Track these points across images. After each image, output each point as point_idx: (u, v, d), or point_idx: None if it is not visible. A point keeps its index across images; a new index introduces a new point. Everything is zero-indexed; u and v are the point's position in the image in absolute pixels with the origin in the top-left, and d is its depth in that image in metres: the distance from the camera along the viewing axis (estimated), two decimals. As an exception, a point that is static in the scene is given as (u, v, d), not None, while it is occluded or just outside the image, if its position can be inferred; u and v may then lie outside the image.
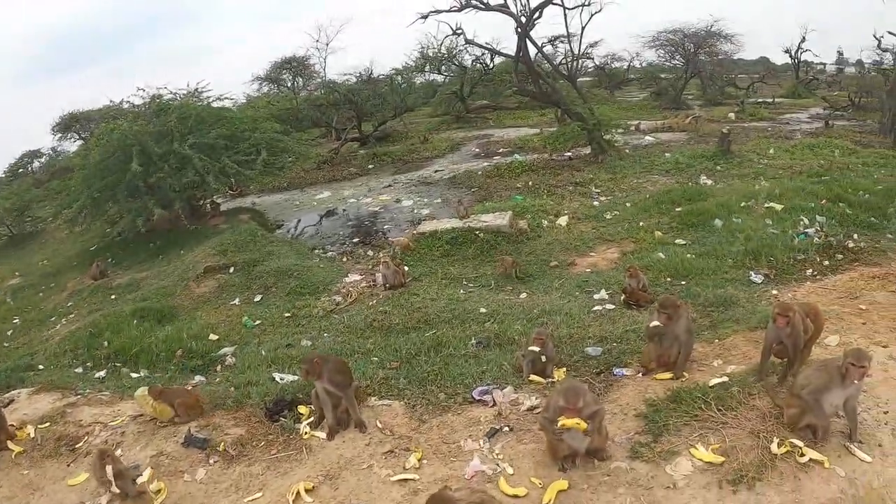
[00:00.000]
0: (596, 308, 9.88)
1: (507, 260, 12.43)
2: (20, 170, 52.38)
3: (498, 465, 5.72)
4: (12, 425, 7.92)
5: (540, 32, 34.32)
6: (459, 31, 25.23)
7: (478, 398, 6.93)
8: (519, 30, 21.80)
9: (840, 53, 60.67)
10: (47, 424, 8.04)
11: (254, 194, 26.44)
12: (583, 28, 24.07)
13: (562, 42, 38.78)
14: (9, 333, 15.15)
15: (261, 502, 5.84)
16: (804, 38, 49.33)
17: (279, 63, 47.48)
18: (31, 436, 7.84)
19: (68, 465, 7.15)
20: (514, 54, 23.60)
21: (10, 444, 7.61)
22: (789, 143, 24.07)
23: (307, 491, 5.79)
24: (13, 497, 6.86)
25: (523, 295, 11.33)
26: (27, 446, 7.64)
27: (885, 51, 38.51)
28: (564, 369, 7.37)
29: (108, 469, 5.84)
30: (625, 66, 52.39)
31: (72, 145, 46.90)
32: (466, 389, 7.14)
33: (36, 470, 7.21)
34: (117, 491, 5.78)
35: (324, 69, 39.31)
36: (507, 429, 6.25)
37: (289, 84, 48.56)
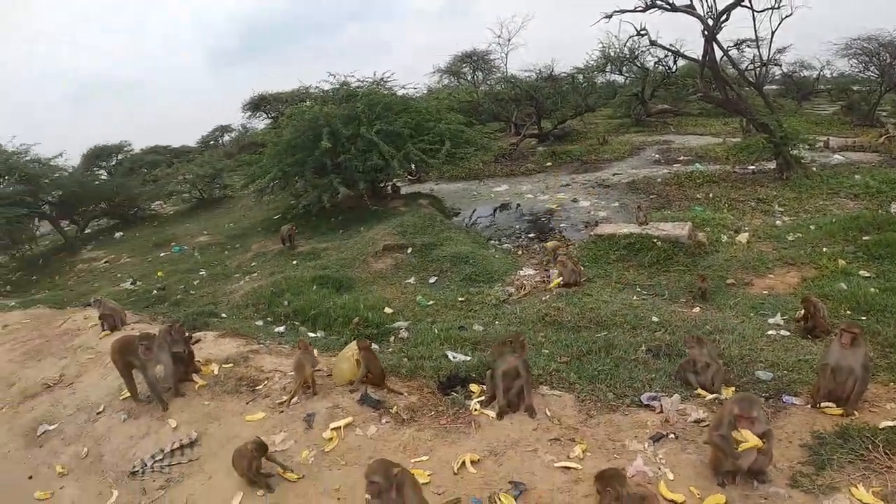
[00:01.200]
0: (770, 332, 9.62)
1: (703, 279, 12.13)
2: (211, 142, 56.79)
3: (660, 468, 5.86)
4: (198, 361, 9.05)
5: (726, 35, 32.95)
6: (643, 32, 24.81)
7: (645, 403, 7.04)
8: (706, 32, 21.12)
9: None
10: (230, 365, 9.08)
11: (432, 181, 27.33)
12: (772, 33, 22.66)
13: (748, 46, 36.83)
14: (195, 283, 16.61)
15: (427, 465, 6.24)
16: None
17: (460, 56, 48.49)
18: (214, 372, 8.95)
19: (247, 403, 8.02)
20: (699, 58, 22.90)
21: (195, 377, 8.74)
22: None
23: (472, 462, 6.16)
24: (194, 422, 7.79)
25: (696, 309, 11.19)
26: (210, 381, 8.69)
27: None
28: (733, 388, 7.33)
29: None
30: (814, 76, 48.46)
31: (259, 123, 50.24)
32: (635, 393, 7.27)
33: (216, 402, 8.18)
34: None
35: (504, 64, 39.69)
36: (672, 436, 6.35)
37: (469, 77, 49.49)
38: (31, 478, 7.83)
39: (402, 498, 4.94)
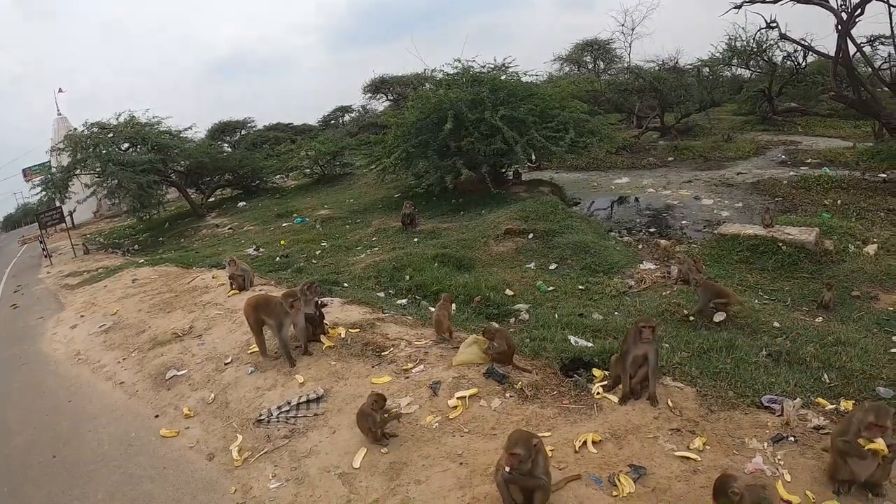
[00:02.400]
0: (894, 350, 9.27)
1: (829, 287, 11.77)
2: (331, 121, 58.41)
3: (778, 469, 5.79)
4: (326, 324, 9.43)
5: (860, 31, 31.36)
6: (774, 24, 23.92)
7: (766, 405, 6.94)
8: (839, 27, 20.14)
9: None
10: (357, 330, 9.43)
11: (552, 169, 27.26)
12: None
13: (882, 43, 35.46)
14: (317, 253, 17.27)
15: (548, 441, 6.28)
16: None
17: (581, 45, 48.02)
18: (341, 336, 9.31)
19: (373, 367, 8.31)
20: (830, 54, 21.88)
21: (322, 339, 9.15)
22: None
23: (594, 443, 6.22)
24: (320, 380, 8.16)
25: (819, 319, 10.92)
26: (337, 343, 9.06)
27: None
28: (853, 402, 7.12)
29: None
30: None
31: (379, 105, 51.25)
32: (755, 394, 7.15)
33: (342, 363, 8.53)
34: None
35: (628, 54, 39.04)
36: (791, 439, 6.24)
37: (590, 66, 48.98)
38: (157, 416, 8.44)
39: (535, 467, 5.07)
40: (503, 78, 22.44)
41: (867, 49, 33.36)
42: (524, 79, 23.82)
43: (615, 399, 7.01)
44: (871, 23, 32.30)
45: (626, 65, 40.24)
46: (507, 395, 7.29)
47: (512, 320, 10.81)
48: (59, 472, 7.52)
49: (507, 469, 5.02)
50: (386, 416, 6.65)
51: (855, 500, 5.44)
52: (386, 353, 8.68)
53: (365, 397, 7.01)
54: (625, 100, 35.53)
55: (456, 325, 9.38)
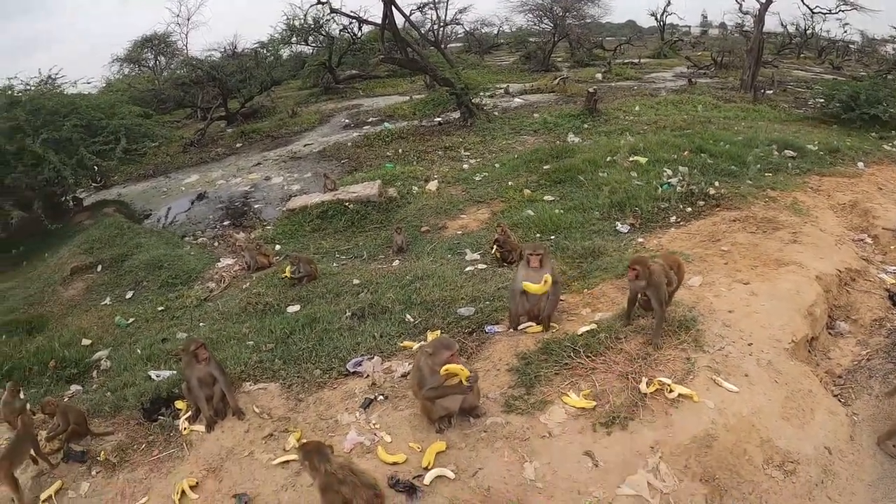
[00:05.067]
0: (468, 269, 9.97)
1: (398, 231, 12.26)
2: None
3: (375, 434, 5.77)
4: None
5: (408, 0, 34.01)
6: (324, 1, 24.71)
7: (352, 370, 6.93)
8: None
9: (704, 16, 64.84)
10: None
11: (119, 184, 25.23)
12: None
13: (430, 9, 38.68)
14: None
15: None
16: (669, 1, 50.72)
17: (139, 42, 45.54)
18: None
19: None
20: (380, 22, 23.31)
21: None
22: (654, 100, 24.76)
23: (192, 487, 5.71)
24: None
25: (395, 262, 11.35)
26: None
27: (746, 13, 39.65)
28: (438, 331, 7.40)
29: None
30: (494, 32, 52.66)
31: None
32: (341, 363, 7.12)
33: None
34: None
35: (186, 46, 37.75)
36: (381, 397, 6.30)
37: (151, 63, 46.72)
38: None
39: None
40: (49, 94, 20.04)
41: (417, 16, 36.16)
42: (72, 90, 21.59)
43: (202, 428, 6.49)
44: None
45: (185, 57, 38.75)
46: (94, 472, 6.37)
47: (94, 373, 9.56)
48: None
49: None
50: None
51: (459, 430, 5.61)
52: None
53: None
54: (186, 94, 34.28)
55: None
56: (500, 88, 29.46)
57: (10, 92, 19.62)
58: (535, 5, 43.60)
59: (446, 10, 27.34)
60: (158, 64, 46.60)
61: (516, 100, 26.91)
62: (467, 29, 48.86)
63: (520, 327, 7.06)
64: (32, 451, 6.44)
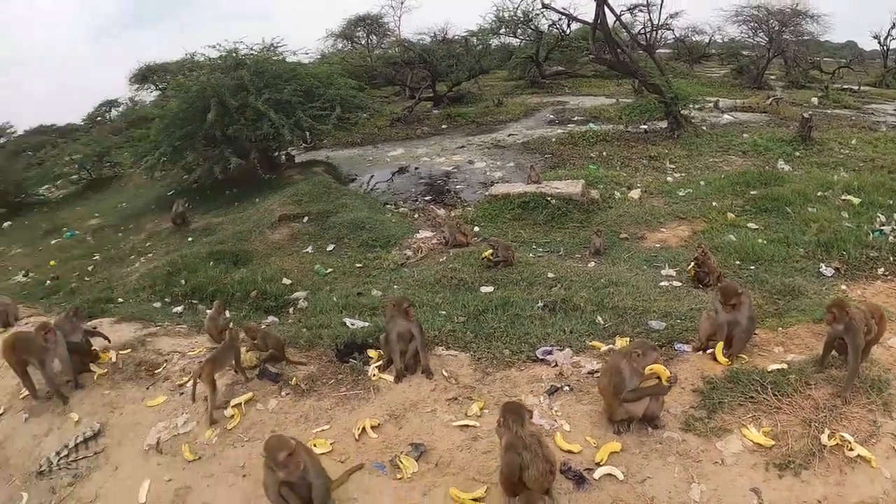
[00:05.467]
0: (663, 283, 9.99)
1: (597, 234, 12.42)
2: (98, 118, 54.31)
3: (556, 420, 5.99)
4: (94, 350, 8.65)
5: (619, 0, 33.46)
6: None
7: (541, 358, 7.15)
8: None
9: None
10: (128, 351, 8.74)
11: (327, 148, 26.89)
12: None
13: (641, 11, 37.50)
14: (89, 269, 15.98)
15: (328, 434, 6.24)
16: (894, 24, 45.40)
17: (353, 20, 47.79)
18: (112, 360, 8.58)
19: (147, 389, 7.77)
20: (591, 21, 23.24)
21: (92, 367, 8.39)
22: (873, 134, 23.11)
23: (373, 427, 6.18)
24: (95, 414, 7.50)
25: (591, 264, 11.49)
26: (109, 369, 8.37)
27: None
28: (627, 339, 7.51)
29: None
30: (705, 40, 50.29)
31: (148, 95, 48.51)
32: (531, 348, 7.37)
33: (116, 391, 7.90)
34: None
35: (398, 27, 39.28)
36: (567, 388, 6.47)
37: (363, 41, 48.86)
38: None
39: (306, 471, 4.88)
40: (270, 59, 21.85)
41: (627, 17, 35.50)
42: (292, 59, 23.31)
43: (391, 378, 6.98)
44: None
45: (396, 38, 40.29)
46: (283, 393, 7.07)
47: (290, 310, 10.55)
48: None
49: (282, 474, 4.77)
50: None
51: (636, 436, 5.71)
52: (159, 370, 8.12)
53: (143, 425, 6.79)
54: (397, 73, 35.73)
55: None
56: (710, 102, 28.56)
57: (235, 54, 21.45)
58: (750, 16, 41.26)
59: (660, 13, 26.67)
60: (370, 42, 48.61)
61: (726, 116, 26.08)
62: (677, 35, 46.96)
63: (707, 351, 7.04)
64: (234, 362, 7.29)
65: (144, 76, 46.23)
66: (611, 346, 7.37)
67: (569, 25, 34.91)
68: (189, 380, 7.24)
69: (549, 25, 35.26)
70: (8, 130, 51.94)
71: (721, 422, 5.81)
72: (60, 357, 7.99)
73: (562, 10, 27.85)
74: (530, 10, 32.80)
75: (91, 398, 7.86)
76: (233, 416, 6.74)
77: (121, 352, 8.74)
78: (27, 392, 8.24)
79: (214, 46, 22.20)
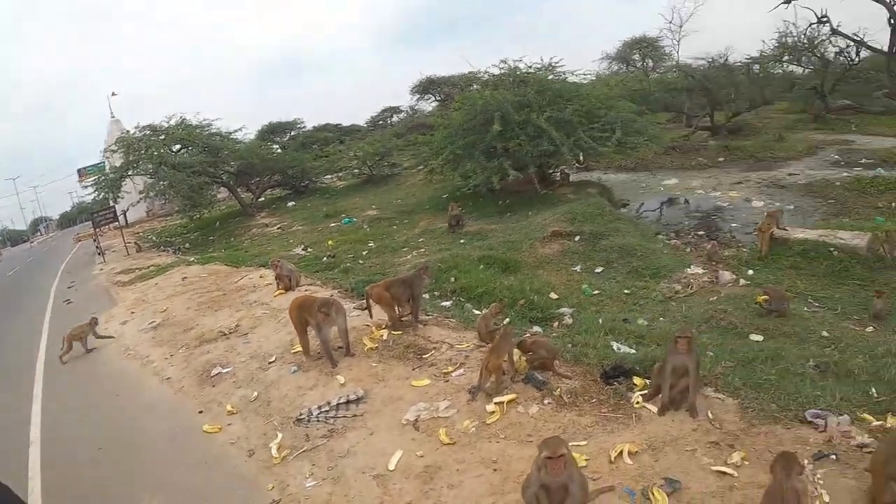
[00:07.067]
0: None
1: (879, 295, 11.21)
2: (380, 122, 58.99)
3: (816, 489, 5.56)
4: (368, 325, 9.67)
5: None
6: (825, 19, 23.26)
7: (809, 420, 6.68)
8: (893, 21, 19.51)
9: None
10: (399, 333, 9.43)
11: (600, 170, 27.06)
12: None
13: None
14: (363, 253, 17.35)
15: (584, 450, 6.25)
16: None
17: (630, 42, 47.66)
18: (383, 337, 9.39)
19: (413, 370, 8.30)
20: (885, 49, 21.21)
21: (365, 340, 9.26)
22: None
23: (630, 453, 6.10)
24: (360, 380, 8.20)
25: (869, 329, 10.56)
26: (379, 345, 9.14)
27: None
28: None
29: None
30: None
31: (427, 105, 51.57)
32: (799, 408, 6.87)
33: (383, 365, 8.57)
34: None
35: (676, 51, 38.48)
36: (833, 457, 5.97)
37: (638, 64, 48.56)
38: (201, 412, 8.60)
39: (570, 479, 4.94)
40: (549, 78, 22.43)
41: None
42: (570, 79, 23.77)
43: (654, 409, 6.90)
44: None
45: (674, 63, 39.57)
46: (546, 401, 7.21)
47: (555, 324, 10.72)
48: (110, 460, 7.75)
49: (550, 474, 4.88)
50: None
51: None
52: (427, 355, 8.67)
53: (404, 400, 7.20)
54: (673, 99, 35.11)
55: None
56: None
57: (518, 72, 22.17)
58: None
59: None
60: (645, 65, 48.16)
61: None
62: None
63: None
64: (507, 357, 7.55)
65: (425, 87, 49.45)
66: (881, 422, 6.75)
67: (858, 53, 32.18)
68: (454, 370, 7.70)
69: (837, 53, 32.67)
70: (299, 125, 58.19)
71: None
72: (339, 326, 8.95)
73: (852, 36, 25.67)
74: (816, 35, 30.69)
75: (359, 367, 8.64)
76: (493, 413, 7.00)
77: (393, 332, 9.51)
78: (300, 349, 9.34)
79: (497, 65, 23.27)
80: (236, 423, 8.05)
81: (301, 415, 7.71)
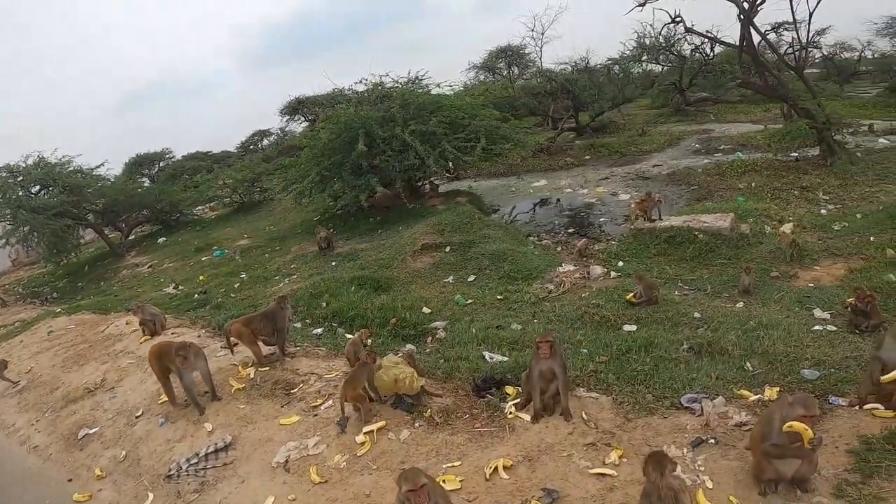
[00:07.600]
0: (816, 327, 9.26)
1: (748, 271, 11.69)
2: (251, 146, 58.06)
3: (698, 476, 5.66)
4: (235, 364, 9.38)
5: (763, 19, 32.00)
6: (679, 20, 24.25)
7: (686, 405, 6.83)
8: (742, 17, 20.51)
9: None
10: (266, 368, 9.22)
11: (470, 178, 27.25)
12: (810, 14, 21.67)
13: (787, 29, 35.25)
14: (235, 286, 16.72)
15: (458, 470, 6.18)
16: None
17: (495, 52, 48.66)
18: (250, 376, 9.15)
19: (282, 407, 8.12)
20: (736, 43, 22.32)
21: (231, 381, 8.97)
22: None
23: (505, 468, 6.07)
24: (229, 426, 7.92)
25: (740, 304, 10.92)
26: (247, 384, 8.89)
27: None
28: (777, 389, 7.03)
29: None
30: (855, 57, 46.48)
31: (297, 126, 51.09)
32: (675, 394, 7.06)
33: (251, 406, 8.35)
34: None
35: (539, 58, 39.33)
36: (712, 441, 6.14)
37: (504, 72, 49.59)
38: (70, 480, 8.11)
39: None
40: (415, 91, 22.39)
41: (772, 36, 33.86)
42: (436, 90, 23.87)
43: (528, 418, 6.86)
44: (775, 10, 33.14)
45: (538, 69, 40.41)
46: (417, 424, 7.13)
47: (429, 339, 10.60)
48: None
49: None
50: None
51: (783, 499, 5.31)
52: (295, 390, 8.49)
53: (273, 441, 7.04)
54: (539, 103, 35.82)
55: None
56: (864, 125, 26.34)
57: (380, 87, 22.15)
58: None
59: (808, 30, 24.93)
60: (511, 73, 49.19)
61: (882, 140, 23.68)
62: (825, 53, 43.86)
63: (866, 406, 6.40)
64: (367, 385, 7.41)
65: (294, 108, 48.85)
66: (759, 396, 6.91)
67: (712, 49, 33.77)
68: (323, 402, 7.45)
69: (692, 50, 34.22)
70: (168, 156, 56.54)
71: (877, 488, 5.28)
72: (201, 370, 8.64)
73: (705, 34, 26.89)
74: (672, 34, 32.03)
75: (227, 411, 8.34)
76: (364, 443, 6.84)
77: (260, 369, 9.25)
78: (167, 398, 8.96)
79: (361, 81, 23.13)
80: (107, 489, 7.66)
81: (170, 470, 7.39)
